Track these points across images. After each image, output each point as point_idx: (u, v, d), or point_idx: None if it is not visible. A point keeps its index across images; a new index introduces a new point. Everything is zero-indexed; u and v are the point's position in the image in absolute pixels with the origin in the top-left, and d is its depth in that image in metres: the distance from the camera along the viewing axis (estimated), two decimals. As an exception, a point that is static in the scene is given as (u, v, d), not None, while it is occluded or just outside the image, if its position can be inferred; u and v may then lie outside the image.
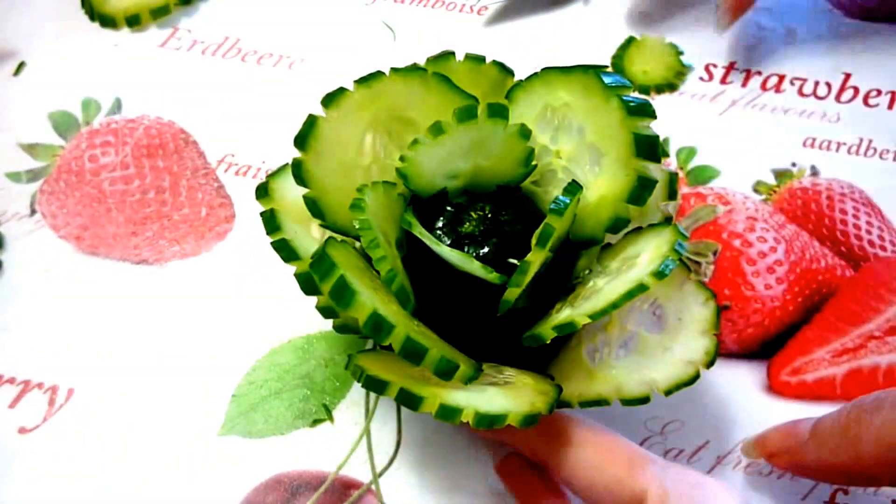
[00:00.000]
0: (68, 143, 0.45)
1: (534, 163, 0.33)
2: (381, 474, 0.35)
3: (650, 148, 0.29)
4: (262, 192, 0.32)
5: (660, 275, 0.28)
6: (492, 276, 0.30)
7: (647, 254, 0.30)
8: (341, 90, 0.32)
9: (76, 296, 0.41)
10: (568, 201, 0.29)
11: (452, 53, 0.34)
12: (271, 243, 0.31)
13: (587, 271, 0.32)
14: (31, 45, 0.50)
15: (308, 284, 0.31)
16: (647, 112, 0.30)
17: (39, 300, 0.41)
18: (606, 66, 0.32)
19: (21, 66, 0.49)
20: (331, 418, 0.36)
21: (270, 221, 0.31)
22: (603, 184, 0.31)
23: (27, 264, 0.42)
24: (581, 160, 0.32)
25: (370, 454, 0.36)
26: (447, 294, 0.31)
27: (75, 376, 0.38)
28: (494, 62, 0.35)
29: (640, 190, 0.30)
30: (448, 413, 0.27)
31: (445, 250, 0.30)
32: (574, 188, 0.30)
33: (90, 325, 0.40)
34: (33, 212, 0.43)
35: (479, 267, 0.29)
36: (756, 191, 0.43)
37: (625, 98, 0.30)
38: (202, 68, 0.49)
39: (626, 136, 0.29)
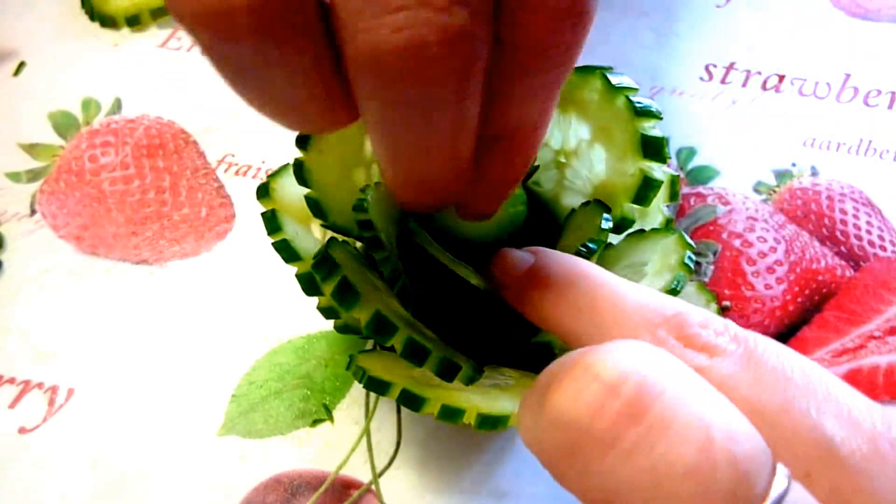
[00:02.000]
0: (68, 143, 0.45)
1: (536, 163, 0.33)
2: (381, 474, 0.35)
3: (656, 148, 0.29)
4: (263, 192, 0.32)
5: (672, 293, 0.28)
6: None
7: (654, 264, 0.30)
8: None
9: (76, 296, 0.41)
10: (594, 249, 0.28)
11: None
12: (272, 244, 0.31)
13: None
14: (31, 45, 0.50)
15: (309, 285, 0.31)
16: (653, 113, 0.30)
17: (39, 300, 0.41)
18: (612, 67, 0.32)
19: (21, 66, 0.49)
20: (331, 418, 0.36)
21: (271, 221, 0.31)
22: (607, 184, 0.31)
23: (27, 264, 0.42)
24: (585, 160, 0.32)
25: (370, 454, 0.36)
26: (448, 295, 0.31)
27: (75, 376, 0.38)
28: None
29: (646, 190, 0.29)
30: (450, 414, 0.27)
31: (448, 260, 0.30)
32: (601, 237, 0.29)
33: (90, 325, 0.40)
34: (33, 212, 0.43)
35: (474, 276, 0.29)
36: (756, 191, 0.43)
37: (631, 98, 0.30)
38: (202, 68, 0.48)
39: (632, 137, 0.29)
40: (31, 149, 0.45)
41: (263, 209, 0.32)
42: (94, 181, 0.44)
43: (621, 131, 0.30)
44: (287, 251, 0.31)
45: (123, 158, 0.44)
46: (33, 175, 0.44)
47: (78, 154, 0.45)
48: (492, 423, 0.27)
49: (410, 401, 0.28)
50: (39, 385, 0.38)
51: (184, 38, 0.50)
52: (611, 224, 0.29)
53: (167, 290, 0.41)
